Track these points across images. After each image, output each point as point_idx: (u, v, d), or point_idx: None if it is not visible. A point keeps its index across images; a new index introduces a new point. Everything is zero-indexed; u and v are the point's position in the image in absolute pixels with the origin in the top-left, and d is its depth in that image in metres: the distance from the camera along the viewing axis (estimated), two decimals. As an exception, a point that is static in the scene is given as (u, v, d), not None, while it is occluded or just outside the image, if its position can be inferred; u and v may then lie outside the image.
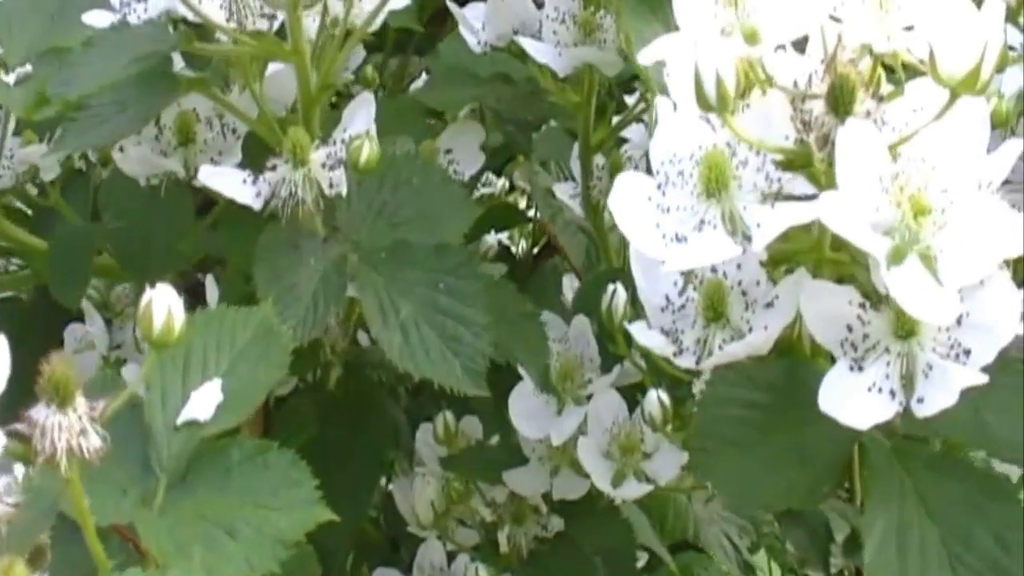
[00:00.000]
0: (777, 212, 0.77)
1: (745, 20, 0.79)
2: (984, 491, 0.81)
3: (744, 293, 0.83)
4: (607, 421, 1.15)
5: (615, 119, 1.24)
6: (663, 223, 0.78)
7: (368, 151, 0.91)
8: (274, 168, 0.94)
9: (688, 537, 1.40)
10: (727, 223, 0.78)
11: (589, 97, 1.16)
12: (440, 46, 1.22)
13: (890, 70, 0.82)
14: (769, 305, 0.82)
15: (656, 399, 1.09)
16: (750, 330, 0.82)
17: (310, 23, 1.03)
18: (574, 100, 1.16)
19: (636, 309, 0.94)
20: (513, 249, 1.74)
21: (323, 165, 0.93)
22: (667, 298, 0.85)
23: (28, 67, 1.07)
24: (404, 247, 0.96)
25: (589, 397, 1.16)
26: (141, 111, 0.96)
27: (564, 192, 1.28)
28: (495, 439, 1.29)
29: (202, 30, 0.95)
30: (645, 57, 0.80)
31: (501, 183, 1.70)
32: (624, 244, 1.25)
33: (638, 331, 0.84)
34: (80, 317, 1.28)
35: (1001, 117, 1.00)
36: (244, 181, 0.94)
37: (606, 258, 1.27)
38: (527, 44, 1.08)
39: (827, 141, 0.77)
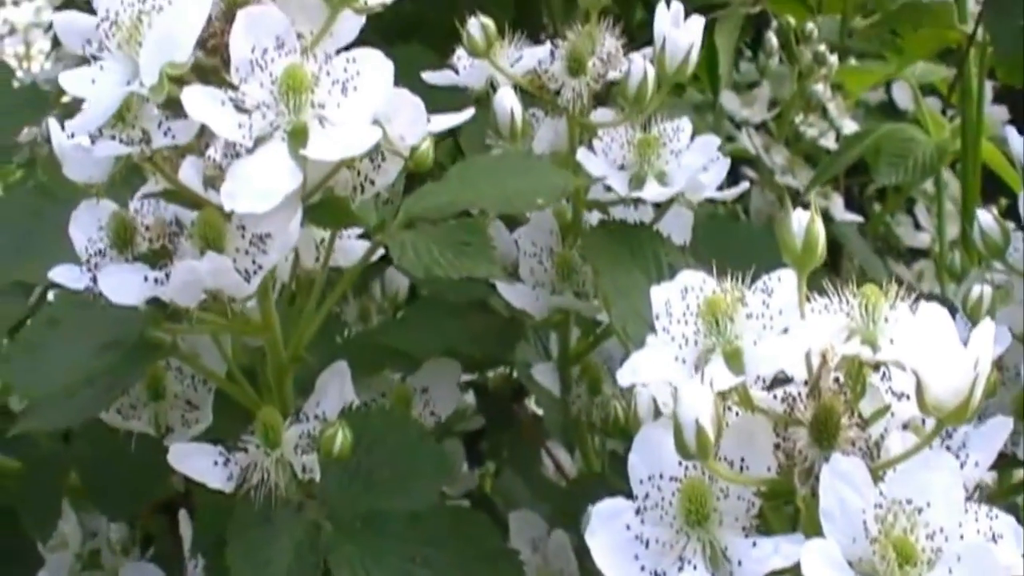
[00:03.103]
0: (759, 552, 0.75)
1: (726, 346, 0.77)
2: None
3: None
4: (589, 645, 1.13)
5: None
6: (642, 556, 0.77)
7: (341, 441, 0.89)
8: (245, 450, 0.91)
9: None
10: (707, 560, 0.76)
11: (567, 314, 1.15)
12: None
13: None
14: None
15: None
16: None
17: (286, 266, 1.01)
18: (554, 319, 1.14)
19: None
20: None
21: (295, 447, 0.91)
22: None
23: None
24: (379, 516, 0.95)
25: (572, 614, 1.15)
26: (111, 385, 0.92)
27: (543, 374, 1.25)
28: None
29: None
30: (624, 378, 0.78)
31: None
32: (606, 452, 1.24)
33: None
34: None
35: (989, 388, 0.96)
36: (216, 463, 0.91)
37: (587, 463, 1.24)
38: (504, 291, 1.06)
39: (810, 474, 0.76)
